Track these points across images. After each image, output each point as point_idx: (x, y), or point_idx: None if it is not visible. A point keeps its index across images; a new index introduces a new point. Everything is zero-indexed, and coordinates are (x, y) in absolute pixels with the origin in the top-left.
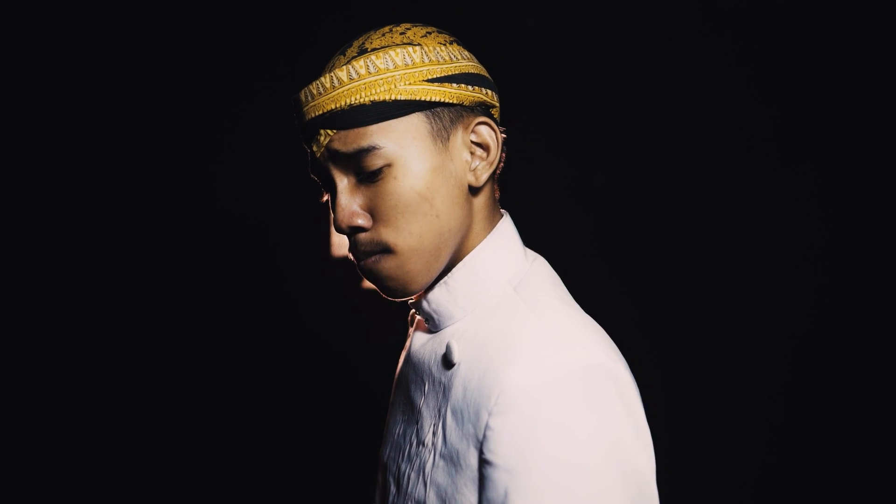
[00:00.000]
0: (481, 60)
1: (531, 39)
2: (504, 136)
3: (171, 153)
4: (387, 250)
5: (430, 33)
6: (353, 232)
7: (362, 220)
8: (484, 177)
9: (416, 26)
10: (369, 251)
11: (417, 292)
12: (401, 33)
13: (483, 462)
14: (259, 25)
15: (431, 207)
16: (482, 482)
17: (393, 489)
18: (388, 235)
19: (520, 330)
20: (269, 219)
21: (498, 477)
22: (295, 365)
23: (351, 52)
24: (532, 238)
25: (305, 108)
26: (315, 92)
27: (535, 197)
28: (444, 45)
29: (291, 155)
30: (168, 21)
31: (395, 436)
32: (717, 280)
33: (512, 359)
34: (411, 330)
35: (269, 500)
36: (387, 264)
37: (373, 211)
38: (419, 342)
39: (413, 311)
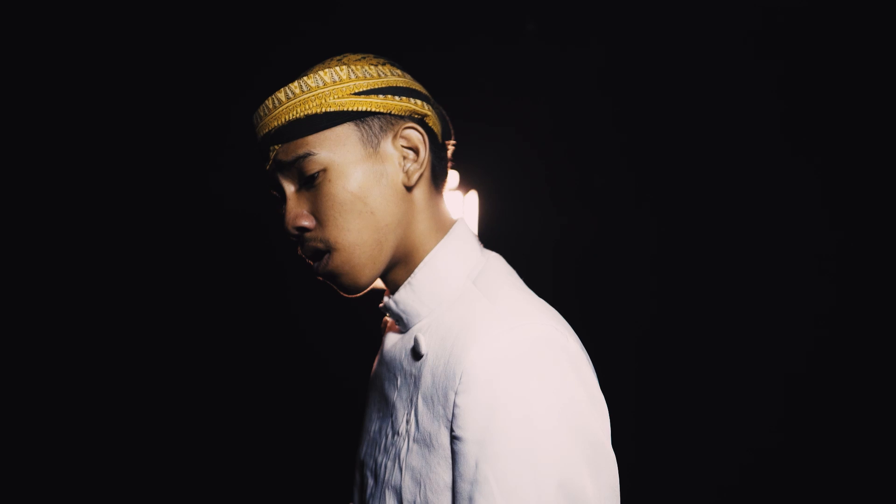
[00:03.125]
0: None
1: (531, 43)
2: (454, 146)
3: (169, 151)
4: (330, 248)
5: (364, 57)
6: (299, 233)
7: (307, 222)
8: (415, 176)
9: (355, 54)
10: (315, 250)
11: (368, 285)
12: (338, 59)
13: (454, 439)
14: (258, 24)
15: (365, 206)
16: (454, 458)
17: (371, 482)
18: (330, 234)
19: (478, 317)
20: (263, 215)
21: (468, 450)
22: (278, 369)
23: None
24: (537, 238)
25: (257, 129)
26: (262, 114)
27: (535, 199)
28: (375, 65)
29: None
30: (169, 22)
31: (371, 433)
32: (711, 282)
33: (472, 342)
34: (384, 335)
35: (249, 501)
36: (334, 261)
37: (316, 214)
38: (391, 342)
39: (385, 315)
